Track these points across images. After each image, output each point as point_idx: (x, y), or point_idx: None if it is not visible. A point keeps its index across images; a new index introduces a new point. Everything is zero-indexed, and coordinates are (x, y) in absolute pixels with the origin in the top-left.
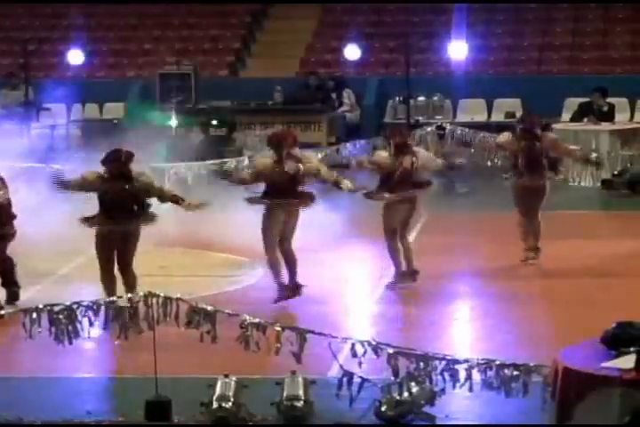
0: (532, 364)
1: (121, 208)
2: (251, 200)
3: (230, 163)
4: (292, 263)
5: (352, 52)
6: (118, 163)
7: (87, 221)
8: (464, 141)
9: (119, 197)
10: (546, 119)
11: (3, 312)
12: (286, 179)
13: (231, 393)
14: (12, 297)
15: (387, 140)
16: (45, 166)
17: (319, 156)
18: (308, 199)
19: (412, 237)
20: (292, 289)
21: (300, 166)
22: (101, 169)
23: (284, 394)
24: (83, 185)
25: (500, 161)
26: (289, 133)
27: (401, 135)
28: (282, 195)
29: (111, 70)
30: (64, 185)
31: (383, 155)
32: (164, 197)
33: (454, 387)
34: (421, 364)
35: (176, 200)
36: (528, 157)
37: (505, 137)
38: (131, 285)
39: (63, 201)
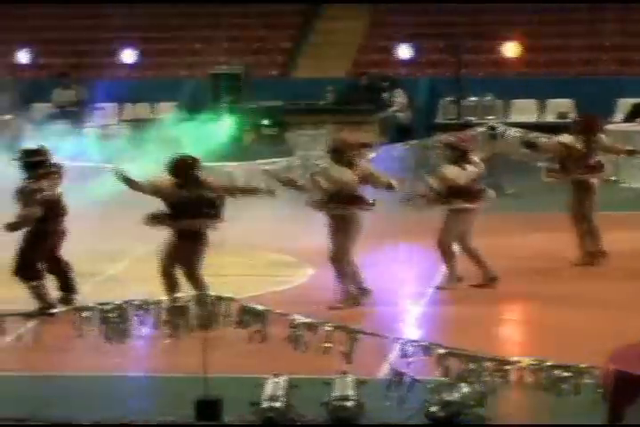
0: (582, 365)
1: (194, 212)
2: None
3: (281, 162)
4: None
5: (403, 52)
6: (186, 170)
7: (155, 219)
8: (527, 142)
9: (193, 203)
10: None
11: (55, 311)
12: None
13: (281, 393)
14: (66, 302)
15: (454, 150)
16: (97, 166)
17: (372, 155)
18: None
19: None
20: (359, 296)
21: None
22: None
23: (335, 394)
24: (157, 192)
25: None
26: (351, 141)
27: (466, 144)
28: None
29: (162, 70)
30: (132, 183)
31: (450, 170)
32: (234, 193)
33: (505, 388)
34: (472, 364)
35: (249, 192)
36: (588, 157)
37: (568, 137)
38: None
39: (112, 201)
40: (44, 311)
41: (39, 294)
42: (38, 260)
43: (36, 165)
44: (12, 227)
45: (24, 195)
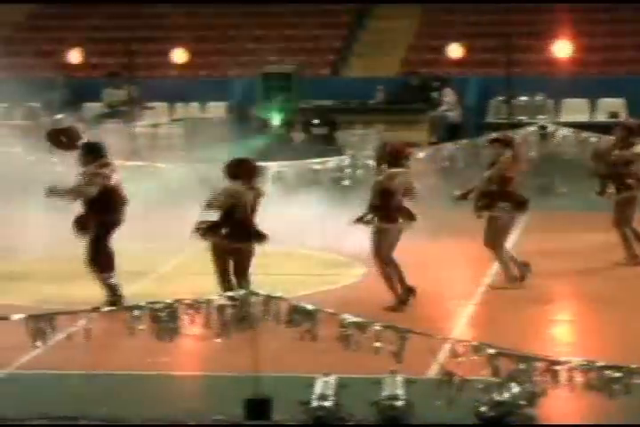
0: (634, 366)
1: (247, 222)
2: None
3: (332, 162)
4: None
5: (454, 51)
6: (252, 175)
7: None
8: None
9: (250, 211)
10: None
11: (105, 309)
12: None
13: (331, 392)
14: (111, 303)
15: (509, 147)
16: (150, 165)
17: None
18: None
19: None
20: (406, 293)
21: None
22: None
23: (384, 394)
24: (234, 198)
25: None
26: (401, 145)
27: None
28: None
29: (214, 69)
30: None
31: (507, 159)
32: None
33: (555, 388)
34: (522, 365)
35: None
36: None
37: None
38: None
39: (166, 200)
40: (115, 302)
41: (110, 285)
42: (107, 251)
43: (94, 158)
44: (54, 192)
45: (87, 175)
